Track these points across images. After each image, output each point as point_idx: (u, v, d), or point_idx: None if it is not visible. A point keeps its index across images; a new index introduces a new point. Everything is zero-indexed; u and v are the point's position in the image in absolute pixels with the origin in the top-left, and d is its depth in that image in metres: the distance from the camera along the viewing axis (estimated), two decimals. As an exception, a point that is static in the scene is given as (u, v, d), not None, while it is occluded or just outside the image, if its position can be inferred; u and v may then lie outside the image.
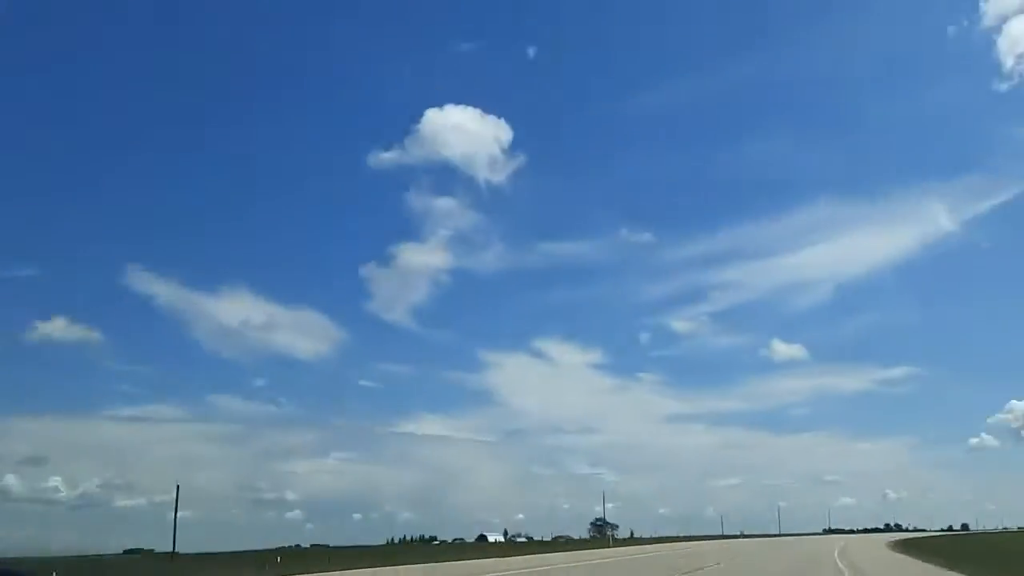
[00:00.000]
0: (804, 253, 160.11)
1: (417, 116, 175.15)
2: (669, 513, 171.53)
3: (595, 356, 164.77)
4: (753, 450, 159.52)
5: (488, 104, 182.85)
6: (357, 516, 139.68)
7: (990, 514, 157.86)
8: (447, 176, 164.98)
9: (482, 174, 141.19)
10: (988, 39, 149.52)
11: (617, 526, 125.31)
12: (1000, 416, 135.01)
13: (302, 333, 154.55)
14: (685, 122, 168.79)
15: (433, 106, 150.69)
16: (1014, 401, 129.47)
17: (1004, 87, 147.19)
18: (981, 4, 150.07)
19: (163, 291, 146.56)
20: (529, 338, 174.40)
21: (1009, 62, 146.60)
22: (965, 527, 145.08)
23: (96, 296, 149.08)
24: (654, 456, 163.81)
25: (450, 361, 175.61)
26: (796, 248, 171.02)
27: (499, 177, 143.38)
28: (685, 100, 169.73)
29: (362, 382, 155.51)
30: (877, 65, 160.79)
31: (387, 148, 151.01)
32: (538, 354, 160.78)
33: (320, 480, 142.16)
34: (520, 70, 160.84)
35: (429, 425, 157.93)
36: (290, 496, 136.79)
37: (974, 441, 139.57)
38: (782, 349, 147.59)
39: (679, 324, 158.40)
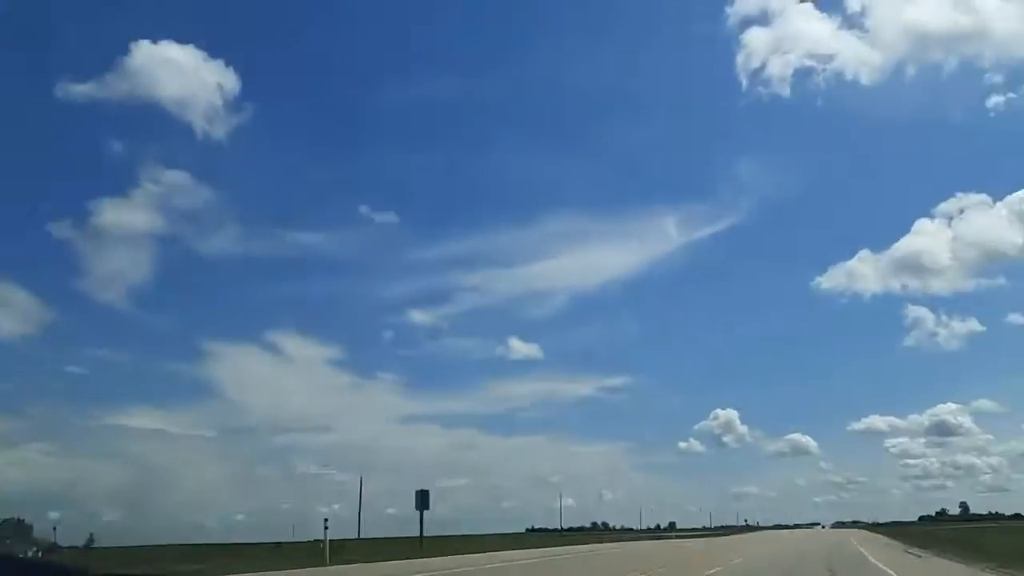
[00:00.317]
0: (545, 264, 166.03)
1: (124, 48, 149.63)
2: (397, 513, 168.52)
3: (333, 352, 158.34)
4: (482, 451, 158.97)
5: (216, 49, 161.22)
6: (53, 515, 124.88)
7: (693, 515, 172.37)
8: (161, 127, 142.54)
9: (201, 125, 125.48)
10: (731, 75, 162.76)
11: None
12: (705, 423, 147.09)
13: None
14: (442, 120, 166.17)
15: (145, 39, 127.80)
16: (718, 410, 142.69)
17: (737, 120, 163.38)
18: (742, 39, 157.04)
19: None
20: (261, 330, 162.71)
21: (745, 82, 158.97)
22: (672, 525, 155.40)
23: None
24: (386, 456, 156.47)
25: (170, 349, 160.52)
26: (537, 258, 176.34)
27: (220, 132, 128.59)
28: (442, 97, 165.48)
29: (68, 368, 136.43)
30: (623, 84, 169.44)
31: (83, 80, 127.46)
32: (270, 347, 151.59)
33: (9, 473, 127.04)
34: (263, 25, 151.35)
35: (143, 418, 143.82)
36: None
37: (683, 446, 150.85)
38: (518, 348, 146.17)
39: (422, 324, 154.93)
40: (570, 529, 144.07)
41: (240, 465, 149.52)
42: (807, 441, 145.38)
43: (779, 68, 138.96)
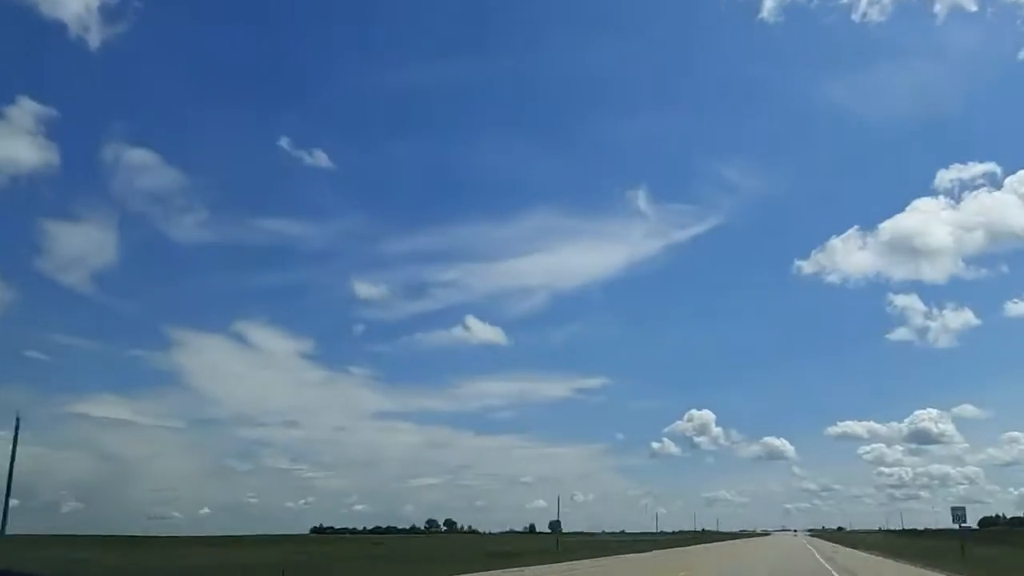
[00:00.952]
0: (524, 260, 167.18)
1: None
2: (366, 510, 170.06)
3: (305, 345, 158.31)
4: (455, 450, 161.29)
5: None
6: (14, 503, 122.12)
7: (663, 519, 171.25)
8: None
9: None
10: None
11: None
12: (680, 424, 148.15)
13: None
14: (417, 109, 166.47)
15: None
16: (694, 411, 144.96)
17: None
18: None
19: None
20: (229, 320, 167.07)
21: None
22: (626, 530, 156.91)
23: None
24: (357, 453, 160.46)
25: (135, 337, 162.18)
26: (517, 254, 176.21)
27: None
28: (417, 86, 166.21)
29: (28, 352, 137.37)
30: (608, 83, 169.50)
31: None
32: (239, 338, 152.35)
33: None
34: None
35: (107, 407, 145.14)
36: None
37: (656, 446, 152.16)
38: (492, 343, 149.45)
39: (396, 319, 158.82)
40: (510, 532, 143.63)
41: (208, 458, 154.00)
42: (783, 445, 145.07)
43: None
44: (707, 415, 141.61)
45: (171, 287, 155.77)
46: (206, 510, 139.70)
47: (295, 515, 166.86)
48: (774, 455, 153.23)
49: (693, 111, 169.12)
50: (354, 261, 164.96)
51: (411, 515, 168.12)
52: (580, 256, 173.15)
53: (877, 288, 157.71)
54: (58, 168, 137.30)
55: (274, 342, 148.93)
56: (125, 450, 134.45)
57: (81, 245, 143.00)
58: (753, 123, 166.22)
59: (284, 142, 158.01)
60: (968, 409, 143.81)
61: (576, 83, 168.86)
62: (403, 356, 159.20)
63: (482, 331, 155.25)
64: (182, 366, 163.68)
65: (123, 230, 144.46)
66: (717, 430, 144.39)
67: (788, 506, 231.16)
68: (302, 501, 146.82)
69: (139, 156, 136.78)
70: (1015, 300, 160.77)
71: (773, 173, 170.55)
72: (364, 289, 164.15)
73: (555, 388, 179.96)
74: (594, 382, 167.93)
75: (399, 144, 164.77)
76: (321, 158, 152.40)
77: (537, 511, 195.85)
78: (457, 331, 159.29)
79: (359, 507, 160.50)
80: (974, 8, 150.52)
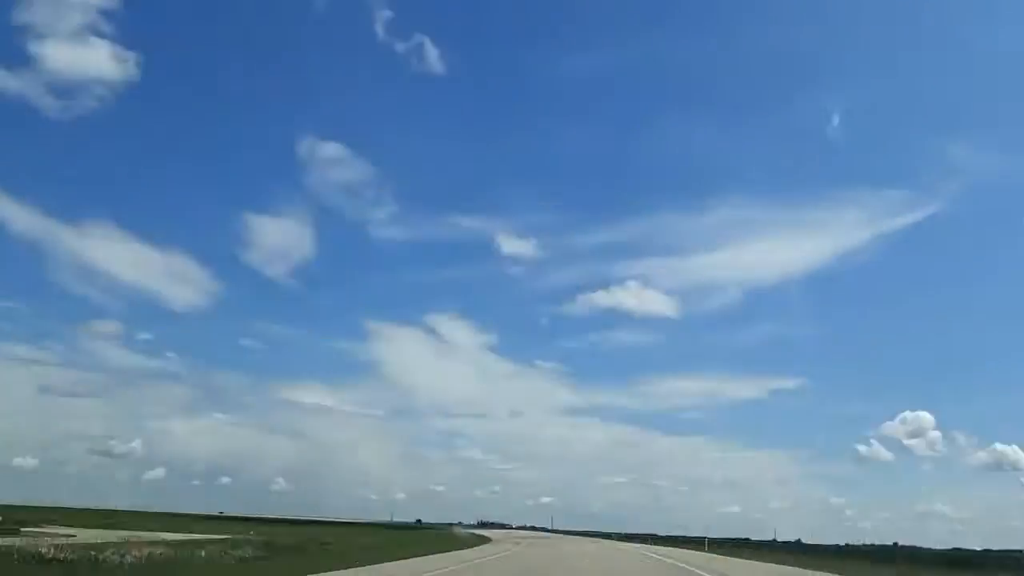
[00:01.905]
0: (715, 254, 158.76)
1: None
2: (553, 503, 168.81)
3: (491, 338, 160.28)
4: (643, 449, 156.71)
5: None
6: (225, 480, 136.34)
7: (864, 532, 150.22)
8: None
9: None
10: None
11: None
12: (889, 427, 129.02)
13: (175, 280, 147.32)
14: (601, 97, 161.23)
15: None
16: (907, 412, 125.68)
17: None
18: None
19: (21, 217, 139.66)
20: (422, 312, 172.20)
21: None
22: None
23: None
24: (546, 447, 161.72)
25: (335, 327, 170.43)
26: (708, 248, 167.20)
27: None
28: (602, 73, 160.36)
29: (243, 341, 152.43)
30: (817, 55, 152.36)
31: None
32: (430, 330, 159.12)
33: (194, 441, 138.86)
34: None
35: (313, 393, 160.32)
36: (151, 453, 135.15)
37: (863, 451, 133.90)
38: (673, 332, 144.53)
39: (582, 314, 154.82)
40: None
41: (403, 445, 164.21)
42: (1015, 453, 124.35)
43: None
44: (924, 417, 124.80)
45: (366, 279, 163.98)
46: (401, 495, 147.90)
47: (481, 504, 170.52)
48: (1004, 465, 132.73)
49: (912, 82, 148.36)
50: (540, 255, 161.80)
51: (599, 512, 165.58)
52: (777, 248, 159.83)
53: None
54: (259, 164, 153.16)
55: (463, 335, 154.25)
56: (329, 435, 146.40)
57: (282, 239, 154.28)
58: (986, 95, 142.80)
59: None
60: None
61: (776, 59, 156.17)
62: (589, 351, 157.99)
63: (670, 327, 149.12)
64: (379, 356, 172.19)
65: (319, 224, 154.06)
66: (935, 434, 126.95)
67: (1016, 523, 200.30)
68: (491, 491, 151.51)
69: (331, 150, 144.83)
70: None
71: (1008, 152, 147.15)
72: (550, 283, 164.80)
73: (747, 389, 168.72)
74: (790, 383, 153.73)
75: (577, 130, 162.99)
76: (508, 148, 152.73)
77: (730, 516, 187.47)
78: (644, 328, 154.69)
79: (545, 499, 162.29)
80: None
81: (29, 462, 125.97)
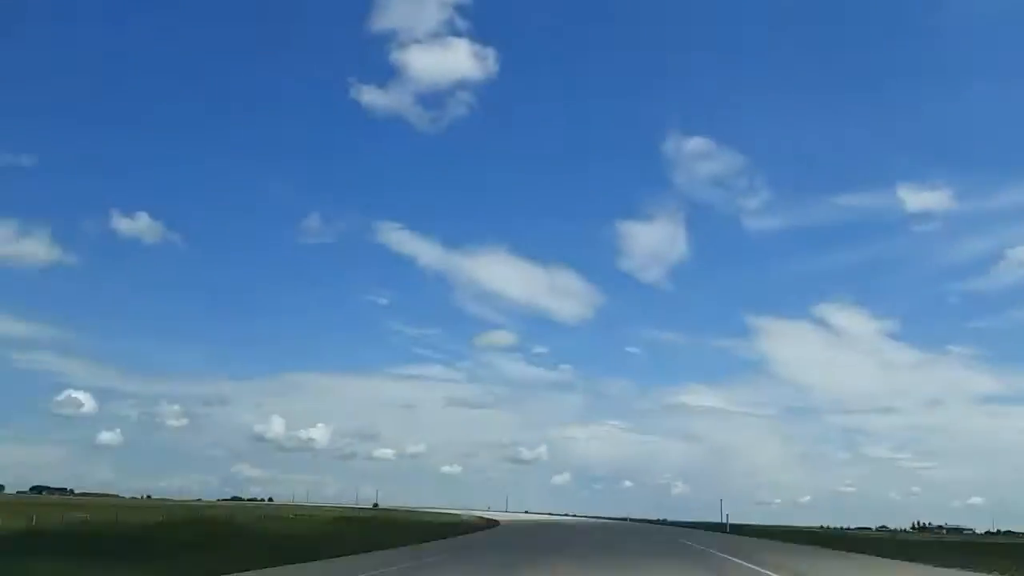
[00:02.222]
0: None
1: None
2: (983, 503, 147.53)
3: (890, 325, 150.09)
4: None
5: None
6: (628, 484, 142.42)
7: None
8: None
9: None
10: None
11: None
12: None
13: (560, 294, 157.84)
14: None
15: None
16: None
17: None
18: None
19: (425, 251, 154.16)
20: (808, 303, 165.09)
21: None
22: None
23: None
24: (969, 441, 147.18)
25: (715, 326, 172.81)
26: None
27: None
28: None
29: (628, 348, 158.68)
30: None
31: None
32: (819, 321, 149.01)
33: (592, 446, 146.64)
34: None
35: (700, 396, 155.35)
36: (556, 459, 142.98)
37: None
38: None
39: (998, 288, 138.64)
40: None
41: (800, 445, 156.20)
42: None
43: None
44: None
45: (742, 274, 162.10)
46: (807, 498, 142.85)
47: (897, 507, 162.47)
48: None
49: None
50: (942, 227, 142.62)
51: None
52: None
53: None
54: (626, 167, 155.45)
55: (857, 323, 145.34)
56: (722, 437, 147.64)
57: (655, 242, 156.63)
58: None
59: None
60: None
61: None
62: (1011, 330, 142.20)
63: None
64: (765, 353, 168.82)
65: (690, 222, 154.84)
66: None
67: None
68: (907, 492, 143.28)
69: (696, 145, 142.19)
70: None
71: None
72: (957, 258, 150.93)
73: None
74: None
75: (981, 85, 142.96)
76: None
77: None
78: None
79: (975, 500, 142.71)
80: None
81: (455, 469, 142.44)
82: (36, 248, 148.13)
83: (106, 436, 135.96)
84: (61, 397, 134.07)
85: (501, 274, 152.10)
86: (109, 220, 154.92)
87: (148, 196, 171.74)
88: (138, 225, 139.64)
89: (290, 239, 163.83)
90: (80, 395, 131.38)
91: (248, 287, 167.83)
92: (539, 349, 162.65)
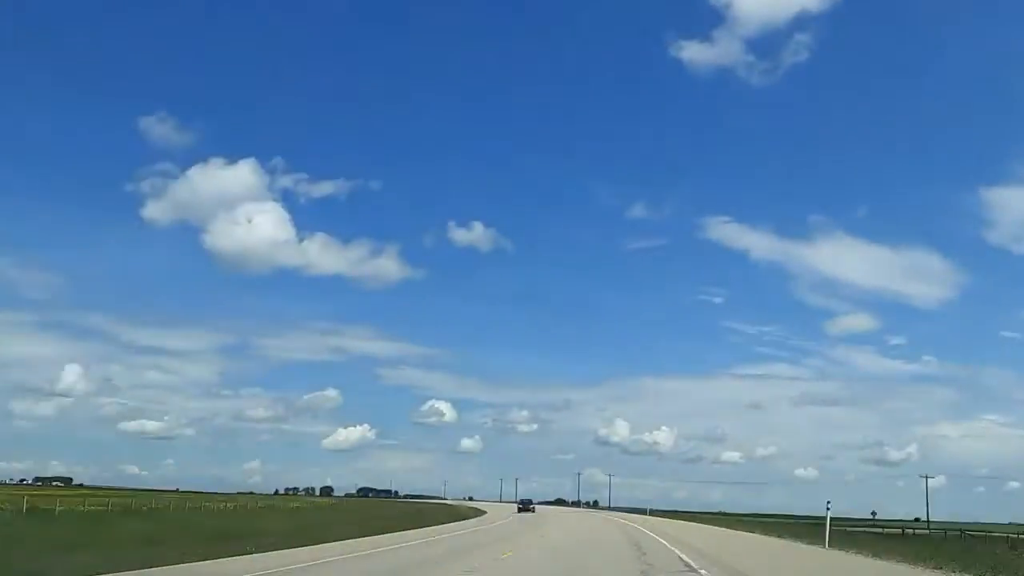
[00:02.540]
0: None
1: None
2: None
3: None
4: None
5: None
6: (1014, 484, 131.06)
7: None
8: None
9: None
10: None
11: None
12: None
13: (915, 277, 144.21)
14: None
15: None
16: None
17: None
18: None
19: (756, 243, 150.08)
20: None
21: None
22: None
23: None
24: None
25: None
26: None
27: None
28: None
29: (1004, 332, 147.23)
30: None
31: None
32: None
33: (967, 444, 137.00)
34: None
35: None
36: (926, 460, 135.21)
37: None
38: None
39: None
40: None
41: None
42: None
43: None
44: None
45: None
46: None
47: None
48: None
49: None
50: None
51: None
52: None
53: None
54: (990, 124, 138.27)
55: None
56: None
57: None
58: None
59: None
60: None
61: None
62: None
63: None
64: None
65: None
66: None
67: None
68: None
69: None
70: None
71: None
72: None
73: None
74: None
75: None
76: None
77: None
78: None
79: None
80: None
81: (810, 473, 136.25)
82: (389, 265, 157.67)
83: (467, 443, 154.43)
84: (425, 407, 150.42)
85: (844, 260, 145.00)
86: (446, 232, 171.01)
87: (480, 206, 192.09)
88: (472, 235, 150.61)
89: (617, 241, 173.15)
90: (442, 405, 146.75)
91: (577, 291, 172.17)
92: (895, 340, 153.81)
